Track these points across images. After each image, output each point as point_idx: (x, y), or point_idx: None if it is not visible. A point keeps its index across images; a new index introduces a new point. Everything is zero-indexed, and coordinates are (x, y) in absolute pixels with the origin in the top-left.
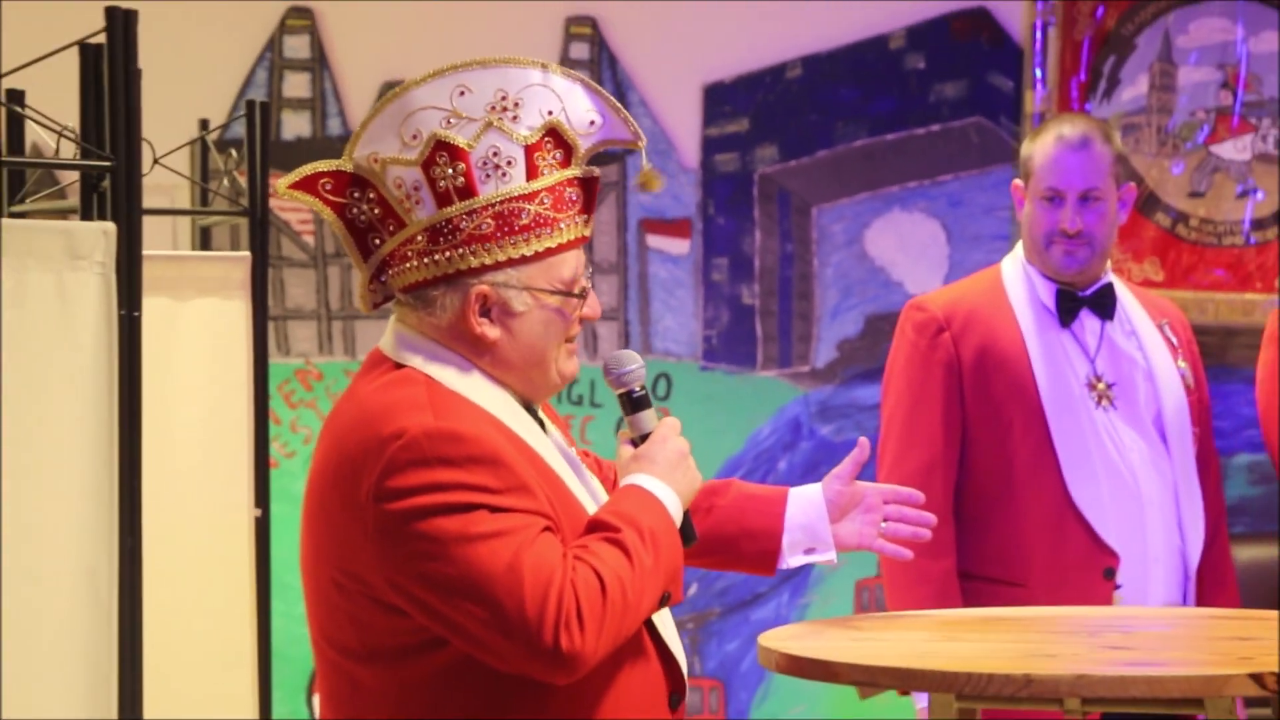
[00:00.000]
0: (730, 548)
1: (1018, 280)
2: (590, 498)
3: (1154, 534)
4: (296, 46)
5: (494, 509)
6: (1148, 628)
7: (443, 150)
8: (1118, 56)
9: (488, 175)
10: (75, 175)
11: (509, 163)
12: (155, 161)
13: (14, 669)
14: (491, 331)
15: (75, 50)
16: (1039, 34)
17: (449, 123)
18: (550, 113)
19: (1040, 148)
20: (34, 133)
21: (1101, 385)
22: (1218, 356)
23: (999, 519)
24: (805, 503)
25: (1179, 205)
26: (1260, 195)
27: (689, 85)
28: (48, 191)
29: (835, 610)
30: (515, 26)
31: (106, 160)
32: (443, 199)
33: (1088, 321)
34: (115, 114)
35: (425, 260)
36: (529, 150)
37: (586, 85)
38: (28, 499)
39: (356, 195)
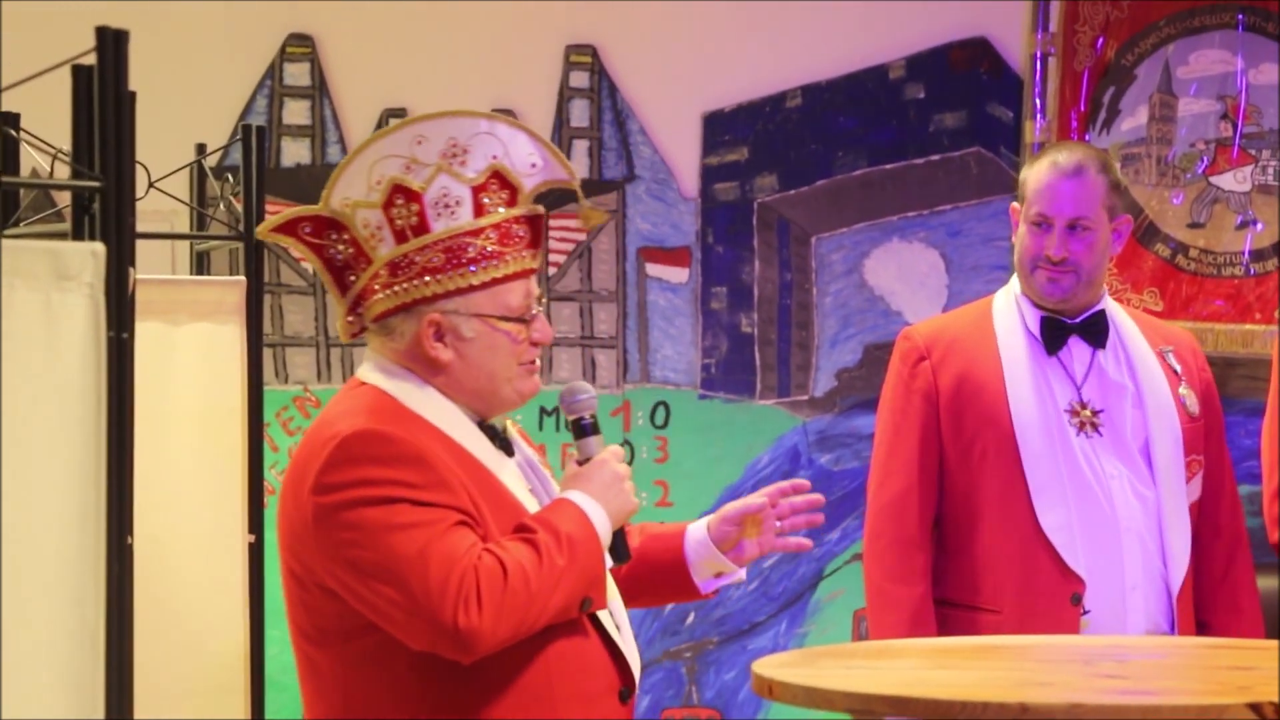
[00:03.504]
0: (649, 586)
1: (1007, 309)
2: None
3: (1131, 561)
4: (296, 73)
5: (415, 502)
6: (1143, 657)
7: (400, 193)
8: (1117, 87)
9: (439, 214)
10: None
11: (457, 202)
12: (151, 185)
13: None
14: (444, 354)
15: (69, 71)
16: (1039, 64)
17: (408, 168)
18: (495, 156)
19: (1035, 173)
20: (33, 158)
21: (1086, 412)
22: (1218, 387)
23: (973, 546)
24: (695, 542)
25: (1178, 236)
26: (1260, 226)
27: (689, 114)
28: (44, 214)
29: (833, 639)
30: (515, 54)
31: (95, 180)
32: (399, 236)
33: (1076, 349)
34: (105, 134)
35: (387, 292)
36: (475, 190)
37: (529, 133)
38: (13, 521)
39: (333, 237)
